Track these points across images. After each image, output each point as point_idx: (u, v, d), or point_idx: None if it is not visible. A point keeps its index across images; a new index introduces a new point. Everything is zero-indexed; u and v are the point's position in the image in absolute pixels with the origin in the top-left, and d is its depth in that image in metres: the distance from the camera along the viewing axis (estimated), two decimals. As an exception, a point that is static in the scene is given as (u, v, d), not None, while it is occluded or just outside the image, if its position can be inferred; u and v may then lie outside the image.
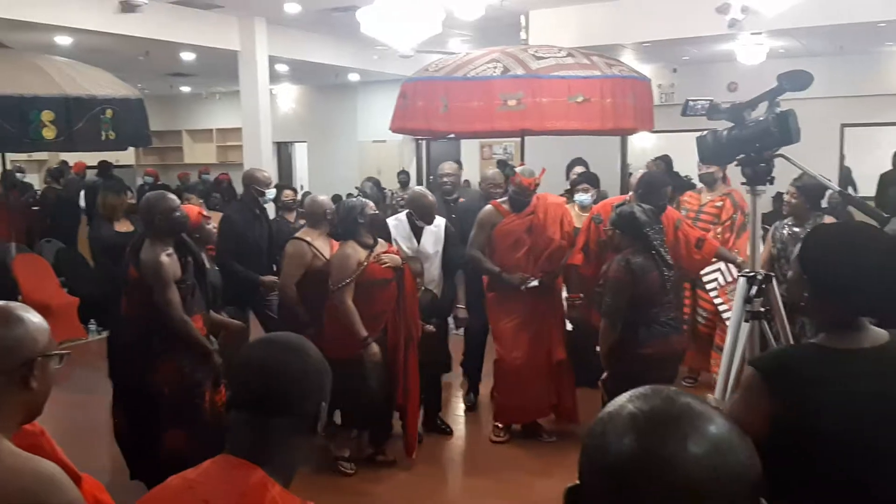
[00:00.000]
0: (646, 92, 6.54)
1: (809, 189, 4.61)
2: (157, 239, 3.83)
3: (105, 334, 6.61)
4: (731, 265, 5.36)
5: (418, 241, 5.01)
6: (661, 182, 4.73)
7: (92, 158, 11.28)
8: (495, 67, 5.88)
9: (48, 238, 9.31)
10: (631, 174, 7.52)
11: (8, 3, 7.02)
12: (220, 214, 5.83)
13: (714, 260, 5.11)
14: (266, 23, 9.40)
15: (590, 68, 5.98)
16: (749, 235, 3.24)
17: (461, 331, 5.54)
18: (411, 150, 13.98)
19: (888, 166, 10.10)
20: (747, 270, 3.09)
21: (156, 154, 16.43)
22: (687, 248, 4.81)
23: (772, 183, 2.96)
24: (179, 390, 3.82)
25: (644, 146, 11.55)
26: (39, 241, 9.30)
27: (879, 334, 1.79)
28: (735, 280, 5.31)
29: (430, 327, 4.89)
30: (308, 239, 4.73)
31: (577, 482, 0.90)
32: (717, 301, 5.62)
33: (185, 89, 15.21)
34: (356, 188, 11.29)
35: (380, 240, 4.58)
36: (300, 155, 15.82)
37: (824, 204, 5.20)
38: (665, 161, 8.57)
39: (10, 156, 8.64)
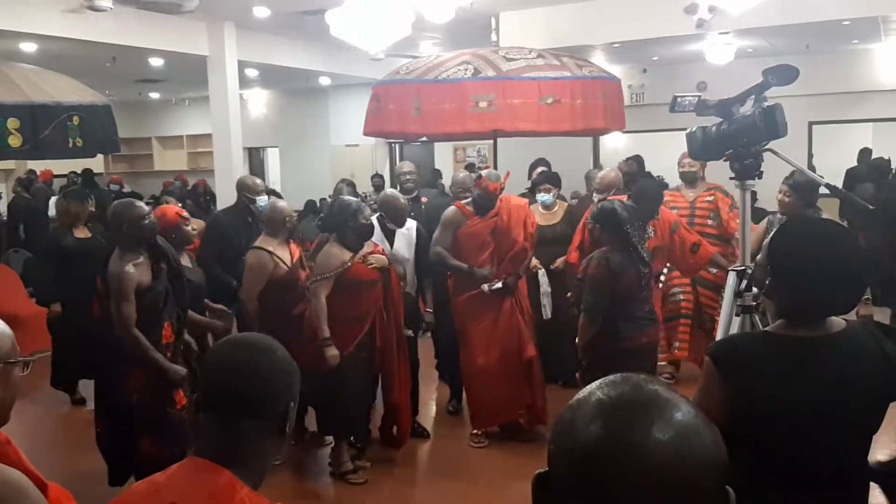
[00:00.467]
0: (616, 92, 6.58)
1: (802, 187, 4.61)
2: (126, 248, 3.80)
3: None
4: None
5: (391, 245, 5.00)
6: (654, 191, 4.87)
7: (59, 167, 11.23)
8: (466, 69, 5.89)
9: (16, 248, 9.18)
10: (588, 175, 7.56)
11: (-30, 9, 6.91)
12: (201, 221, 5.81)
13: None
14: (235, 27, 9.33)
15: (560, 69, 6.01)
16: (739, 231, 3.24)
17: (427, 334, 5.55)
18: (384, 153, 13.95)
19: (854, 162, 10.27)
20: (737, 265, 3.11)
21: (125, 161, 16.26)
22: (682, 250, 4.90)
23: (760, 178, 2.97)
24: (148, 398, 3.78)
25: (616, 146, 11.63)
26: (7, 251, 9.17)
27: (836, 323, 1.86)
28: None
29: (410, 332, 4.89)
30: (269, 248, 4.61)
31: (547, 469, 0.90)
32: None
33: (154, 95, 15.06)
34: (328, 196, 11.23)
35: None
36: (272, 160, 15.73)
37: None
38: (637, 161, 8.65)
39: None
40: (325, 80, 12.85)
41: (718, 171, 3.82)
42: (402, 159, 14.17)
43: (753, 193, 3.17)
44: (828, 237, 1.85)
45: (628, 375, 0.90)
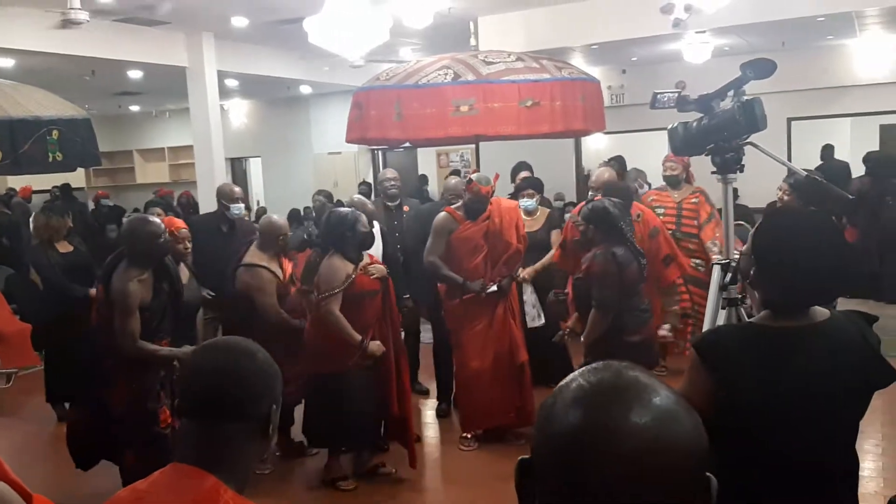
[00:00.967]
0: (596, 93, 6.62)
1: (802, 186, 4.58)
2: (134, 263, 3.80)
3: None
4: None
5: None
6: (625, 187, 5.06)
7: (39, 182, 11.19)
8: (446, 74, 5.92)
9: (-3, 264, 9.09)
10: (588, 173, 7.62)
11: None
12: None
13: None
14: (213, 37, 9.30)
15: (539, 72, 6.04)
16: (723, 224, 3.25)
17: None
18: (367, 160, 13.94)
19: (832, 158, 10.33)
20: (721, 258, 3.12)
21: (107, 175, 16.16)
22: (655, 258, 4.93)
23: (741, 171, 2.99)
24: (132, 412, 3.79)
25: (598, 147, 11.68)
26: (-12, 267, 9.08)
27: (820, 313, 1.87)
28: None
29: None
30: (262, 264, 4.63)
31: (530, 455, 0.90)
32: None
33: (135, 108, 14.99)
34: (306, 207, 11.21)
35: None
36: (255, 170, 15.68)
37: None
38: (619, 161, 8.67)
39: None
40: (305, 89, 12.83)
41: (700, 167, 3.84)
42: (385, 166, 14.16)
43: (735, 190, 3.18)
44: (812, 228, 1.86)
45: (611, 362, 0.90)
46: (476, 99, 5.82)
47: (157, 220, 3.99)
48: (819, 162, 9.81)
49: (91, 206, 12.86)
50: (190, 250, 4.59)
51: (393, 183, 5.89)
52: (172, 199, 13.12)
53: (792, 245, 1.83)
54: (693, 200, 5.80)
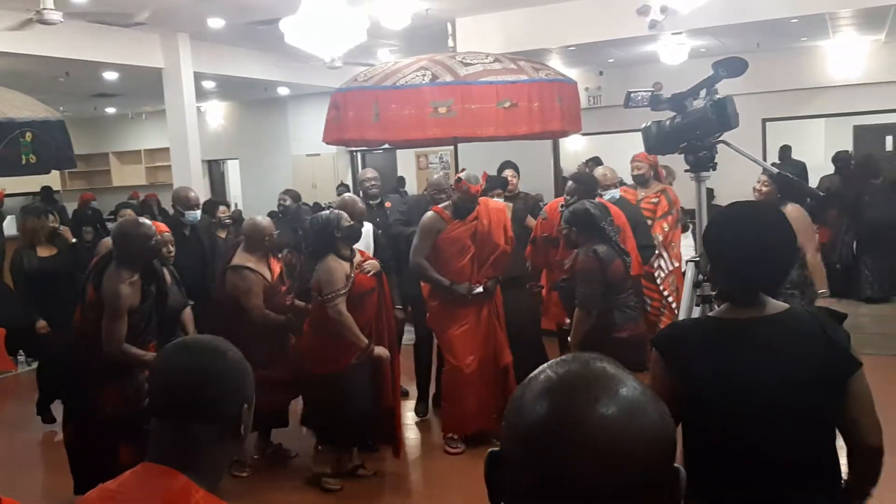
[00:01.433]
0: (573, 94, 6.64)
1: (780, 179, 4.57)
2: (123, 265, 3.78)
3: (35, 365, 6.41)
4: (672, 258, 5.59)
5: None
6: (590, 177, 5.10)
7: (13, 185, 11.03)
8: (424, 75, 5.91)
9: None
10: (566, 178, 7.64)
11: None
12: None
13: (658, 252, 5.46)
14: (189, 38, 9.23)
15: (517, 73, 6.05)
16: (696, 221, 3.25)
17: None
18: (346, 162, 13.89)
19: (810, 159, 10.47)
20: (694, 255, 3.14)
21: (83, 178, 15.97)
22: None
23: (714, 169, 3.01)
24: (123, 411, 3.75)
25: (576, 149, 11.73)
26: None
27: (777, 306, 1.90)
28: (673, 271, 5.54)
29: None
30: (249, 265, 4.63)
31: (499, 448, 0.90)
32: (663, 289, 5.73)
33: (110, 110, 14.83)
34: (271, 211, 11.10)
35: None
36: (233, 172, 15.57)
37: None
38: (596, 162, 8.72)
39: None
40: (283, 90, 12.77)
41: (675, 164, 3.86)
42: (364, 167, 14.13)
43: (710, 191, 3.21)
44: (753, 218, 1.93)
45: (580, 354, 0.91)
46: (454, 100, 5.82)
47: (148, 222, 3.96)
48: (777, 161, 9.96)
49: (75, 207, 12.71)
50: (173, 254, 4.57)
51: (373, 182, 5.89)
52: (151, 202, 12.99)
53: (733, 233, 1.90)
54: (653, 200, 5.83)
